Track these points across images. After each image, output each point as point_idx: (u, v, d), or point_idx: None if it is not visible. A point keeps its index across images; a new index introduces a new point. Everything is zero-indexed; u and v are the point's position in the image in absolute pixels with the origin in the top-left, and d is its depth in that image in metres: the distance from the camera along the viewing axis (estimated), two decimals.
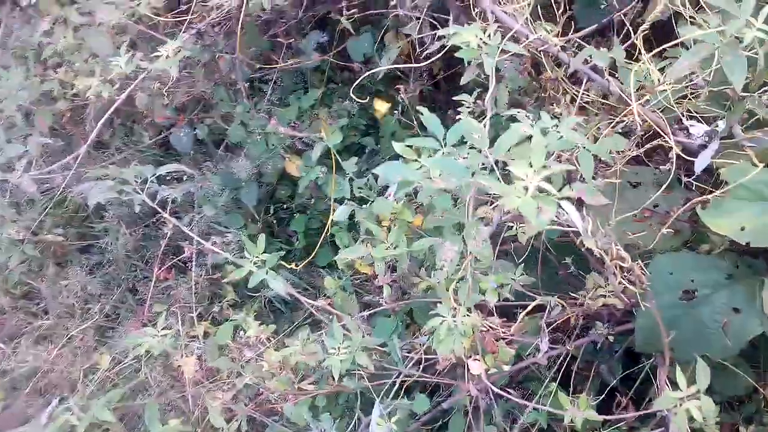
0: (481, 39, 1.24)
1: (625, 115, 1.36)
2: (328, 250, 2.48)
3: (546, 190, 0.96)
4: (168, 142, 2.42)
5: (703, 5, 1.26)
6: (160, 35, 1.90)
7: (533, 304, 1.44)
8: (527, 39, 1.39)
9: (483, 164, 1.09)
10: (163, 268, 2.33)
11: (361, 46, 2.19)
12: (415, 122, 2.45)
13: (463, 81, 1.29)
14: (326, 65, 2.35)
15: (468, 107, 1.37)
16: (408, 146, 1.18)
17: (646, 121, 1.38)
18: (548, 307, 1.43)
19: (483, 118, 1.31)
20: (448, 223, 1.19)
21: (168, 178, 2.09)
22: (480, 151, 1.13)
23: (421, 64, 1.65)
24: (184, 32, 1.72)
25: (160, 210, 1.89)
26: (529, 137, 1.09)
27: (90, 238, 2.47)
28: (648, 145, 1.55)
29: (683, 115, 1.37)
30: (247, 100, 2.12)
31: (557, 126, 1.13)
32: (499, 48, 1.24)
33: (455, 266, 1.15)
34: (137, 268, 2.41)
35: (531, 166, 0.98)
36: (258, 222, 2.39)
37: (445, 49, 1.83)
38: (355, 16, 2.14)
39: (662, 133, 1.36)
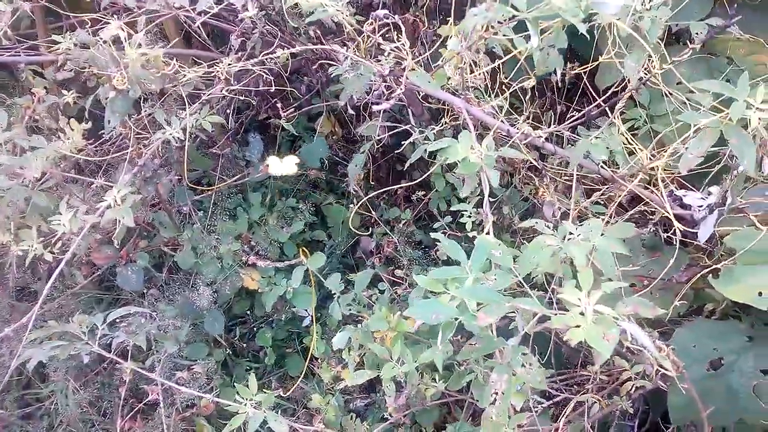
0: (475, 149, 1.19)
1: (618, 193, 1.34)
2: (299, 359, 2.35)
3: (603, 312, 0.91)
4: (103, 279, 2.24)
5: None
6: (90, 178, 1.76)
7: (572, 403, 1.38)
8: (508, 134, 1.36)
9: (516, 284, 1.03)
10: (126, 418, 2.11)
11: (316, 152, 2.10)
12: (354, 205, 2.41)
13: (463, 194, 1.23)
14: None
15: (469, 216, 1.31)
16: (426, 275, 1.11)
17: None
18: (586, 405, 1.36)
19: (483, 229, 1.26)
20: (487, 351, 1.11)
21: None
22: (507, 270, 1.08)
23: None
24: (125, 174, 1.57)
25: (118, 360, 1.73)
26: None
27: (33, 401, 2.21)
28: (632, 211, 1.56)
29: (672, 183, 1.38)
30: (196, 224, 1.98)
31: (578, 231, 1.08)
32: (494, 156, 1.19)
33: (507, 398, 1.06)
34: (95, 423, 2.17)
35: (581, 289, 0.93)
36: (222, 346, 2.22)
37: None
38: (295, 115, 2.07)
39: (658, 207, 1.35)
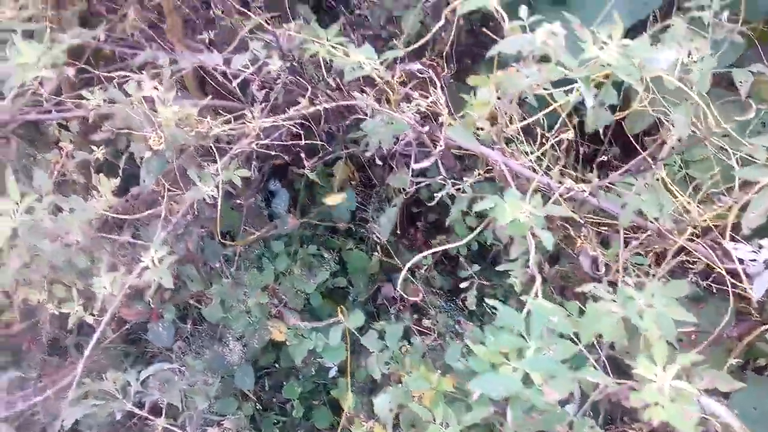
0: (524, 210, 1.17)
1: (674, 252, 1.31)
2: (326, 411, 2.30)
3: (682, 388, 0.87)
4: (130, 332, 2.21)
5: None
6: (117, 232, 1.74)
7: None
8: (548, 188, 1.34)
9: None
10: None
11: (345, 204, 2.09)
12: (380, 253, 2.37)
13: (512, 256, 1.21)
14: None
15: (516, 276, 1.28)
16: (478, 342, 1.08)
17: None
18: None
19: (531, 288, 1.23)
20: (552, 424, 1.07)
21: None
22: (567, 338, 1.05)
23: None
24: (160, 232, 1.55)
25: (151, 417, 1.71)
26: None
27: None
28: (674, 262, 1.53)
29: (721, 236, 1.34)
30: (226, 278, 1.95)
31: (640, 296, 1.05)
32: (544, 215, 1.16)
33: None
34: None
35: (655, 363, 0.89)
36: (251, 400, 2.17)
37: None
38: (319, 165, 2.06)
39: (701, 257, 1.32)
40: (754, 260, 1.29)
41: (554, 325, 1.07)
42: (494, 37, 1.27)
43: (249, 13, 2.09)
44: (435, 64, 2.19)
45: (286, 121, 1.62)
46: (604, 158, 1.68)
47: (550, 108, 1.35)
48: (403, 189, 1.62)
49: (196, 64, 1.62)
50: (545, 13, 1.92)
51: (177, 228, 1.64)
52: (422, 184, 1.54)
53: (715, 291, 1.54)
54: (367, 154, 1.73)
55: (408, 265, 2.38)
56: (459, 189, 1.46)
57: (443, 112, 1.36)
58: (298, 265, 2.13)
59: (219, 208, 1.59)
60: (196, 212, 1.61)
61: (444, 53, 2.23)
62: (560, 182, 1.30)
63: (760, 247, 1.29)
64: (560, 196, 1.33)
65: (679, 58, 1.15)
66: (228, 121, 1.84)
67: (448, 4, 2.14)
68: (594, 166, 1.74)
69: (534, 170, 1.40)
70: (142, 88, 1.44)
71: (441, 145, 1.28)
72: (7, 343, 2.12)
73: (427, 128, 1.35)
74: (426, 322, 2.05)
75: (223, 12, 2.09)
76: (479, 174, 1.48)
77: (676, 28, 1.16)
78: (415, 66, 1.39)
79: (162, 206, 1.66)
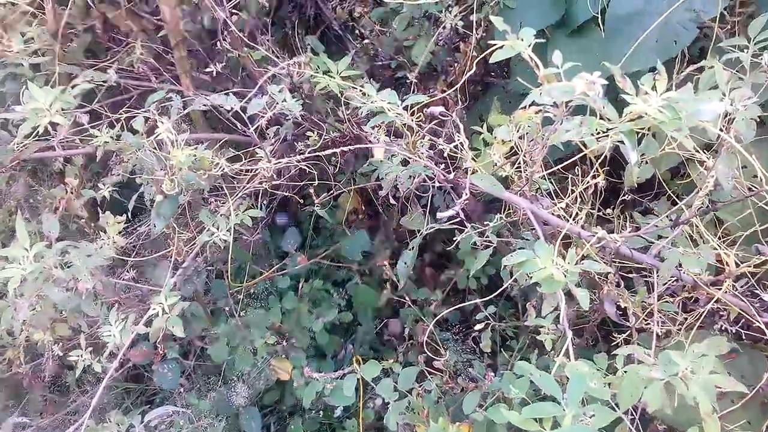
0: (557, 264, 1.12)
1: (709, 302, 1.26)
2: None
3: None
4: (133, 374, 2.15)
5: None
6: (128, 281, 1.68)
7: None
8: (581, 238, 1.30)
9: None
10: None
11: (358, 245, 2.03)
12: (388, 289, 2.31)
13: (543, 313, 1.16)
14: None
15: (546, 332, 1.23)
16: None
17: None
18: None
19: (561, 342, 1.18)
20: None
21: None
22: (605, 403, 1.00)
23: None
24: (170, 278, 1.49)
25: None
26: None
27: None
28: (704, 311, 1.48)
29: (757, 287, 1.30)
30: (232, 317, 1.89)
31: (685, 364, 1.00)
32: (578, 272, 1.12)
33: None
34: None
35: None
36: None
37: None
38: (327, 198, 2.01)
39: (746, 315, 1.28)
40: None
41: (592, 391, 1.02)
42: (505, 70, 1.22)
43: (256, 46, 2.05)
44: (449, 98, 2.16)
45: (300, 161, 1.56)
46: (626, 197, 1.64)
47: (580, 154, 1.31)
48: (419, 230, 1.57)
49: (211, 107, 1.56)
50: (564, 46, 1.91)
51: (186, 271, 1.58)
52: (437, 227, 1.47)
53: (745, 339, 1.50)
54: (382, 193, 1.69)
55: (413, 297, 2.35)
56: (482, 234, 1.41)
57: (467, 158, 1.31)
58: (305, 302, 2.07)
59: (230, 251, 1.54)
60: (206, 255, 1.55)
61: (456, 84, 2.20)
62: (592, 232, 1.26)
63: None
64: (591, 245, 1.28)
65: (725, 109, 1.10)
66: (237, 158, 1.80)
67: (458, 34, 2.13)
68: (615, 204, 1.70)
69: (561, 216, 1.36)
70: (154, 127, 1.39)
71: (466, 193, 1.23)
72: (10, 381, 2.06)
73: (451, 175, 1.30)
74: (437, 363, 1.99)
75: (230, 44, 2.04)
76: (501, 218, 1.43)
77: (717, 74, 1.12)
78: (438, 109, 1.35)
79: (171, 248, 1.61)
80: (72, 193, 1.74)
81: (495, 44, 1.10)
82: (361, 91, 1.41)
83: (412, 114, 1.36)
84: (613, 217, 1.70)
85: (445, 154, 1.33)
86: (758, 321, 1.23)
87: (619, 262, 1.56)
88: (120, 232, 1.60)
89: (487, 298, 1.45)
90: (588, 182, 1.32)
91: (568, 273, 1.11)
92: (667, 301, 1.47)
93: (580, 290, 1.09)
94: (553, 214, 1.36)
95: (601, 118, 1.04)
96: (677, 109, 0.97)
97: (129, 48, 2.20)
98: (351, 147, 1.50)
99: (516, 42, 1.07)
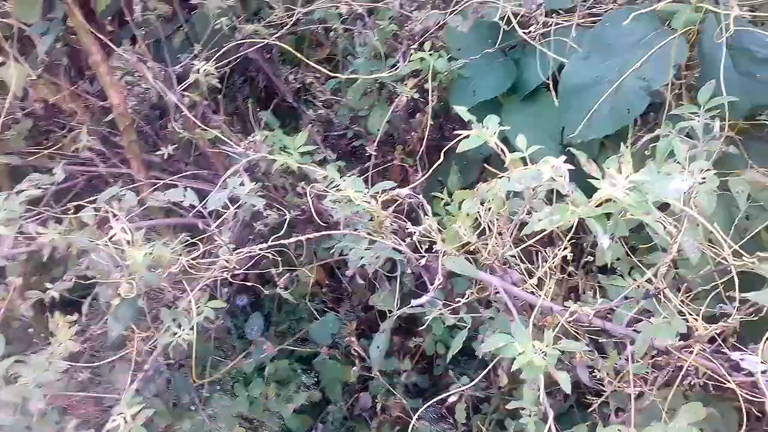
0: (535, 348, 1.09)
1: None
2: None
3: None
4: None
5: None
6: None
7: None
8: (553, 314, 1.28)
9: None
10: None
11: (327, 328, 1.98)
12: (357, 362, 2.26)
13: (525, 398, 1.13)
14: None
15: (529, 415, 1.19)
16: None
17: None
18: None
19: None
20: None
21: None
22: None
23: None
24: (131, 384, 1.41)
25: None
26: None
27: None
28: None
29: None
30: (195, 410, 1.80)
31: None
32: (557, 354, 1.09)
33: None
34: None
35: None
36: None
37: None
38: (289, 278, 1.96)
39: (718, 377, 1.27)
40: (765, 371, 1.24)
41: None
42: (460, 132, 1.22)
43: (207, 128, 2.01)
44: (408, 166, 2.16)
45: (263, 250, 1.51)
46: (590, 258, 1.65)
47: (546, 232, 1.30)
48: (390, 311, 1.53)
49: (167, 203, 1.51)
50: (517, 112, 1.94)
51: (147, 373, 1.50)
52: (410, 308, 1.44)
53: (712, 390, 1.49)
54: (348, 273, 1.65)
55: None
56: (455, 313, 1.38)
57: (438, 240, 1.29)
58: (272, 386, 2.00)
59: (194, 347, 1.47)
60: (169, 354, 1.47)
61: (415, 153, 2.21)
62: (564, 306, 1.24)
63: None
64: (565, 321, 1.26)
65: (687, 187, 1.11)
66: (192, 243, 1.74)
67: (415, 103, 2.14)
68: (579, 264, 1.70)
69: (533, 292, 1.34)
70: (105, 220, 1.33)
71: (439, 278, 1.21)
72: None
73: (423, 261, 1.28)
74: None
75: (181, 125, 2.00)
76: (473, 294, 1.41)
77: (675, 148, 1.13)
78: (404, 191, 1.33)
79: (130, 349, 1.53)
80: (16, 293, 1.65)
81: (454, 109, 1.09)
82: (323, 177, 1.38)
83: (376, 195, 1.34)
84: (578, 278, 1.70)
85: (415, 239, 1.30)
86: (730, 382, 1.22)
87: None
88: (72, 336, 1.51)
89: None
90: (556, 254, 1.31)
91: (547, 356, 1.09)
92: (638, 362, 1.46)
93: (560, 373, 1.06)
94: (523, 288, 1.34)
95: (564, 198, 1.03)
96: (643, 192, 0.97)
97: (74, 133, 2.15)
98: (317, 234, 1.45)
99: (482, 131, 1.06)
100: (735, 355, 1.28)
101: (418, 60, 1.86)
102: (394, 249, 1.35)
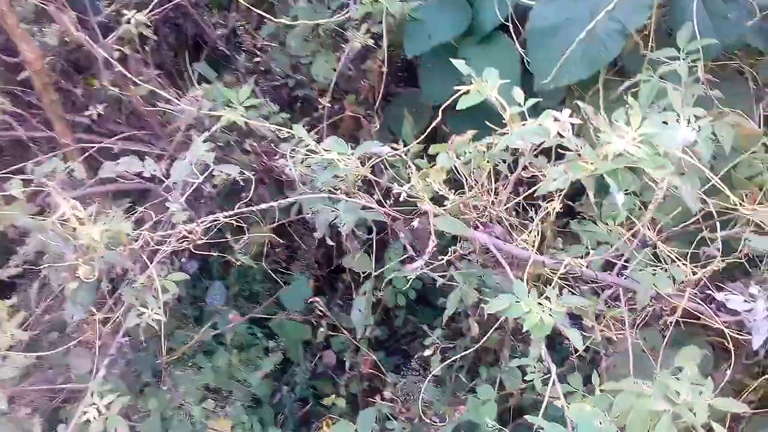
0: (543, 305, 1.07)
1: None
2: None
3: None
4: None
5: None
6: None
7: None
8: (545, 266, 1.26)
9: None
10: None
11: (298, 294, 1.88)
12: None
13: (532, 358, 1.11)
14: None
15: (533, 372, 1.18)
16: None
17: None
18: None
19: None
20: None
21: None
22: None
23: None
24: (97, 371, 1.30)
25: None
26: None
27: None
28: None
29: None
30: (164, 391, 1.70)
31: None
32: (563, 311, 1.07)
33: None
34: None
35: None
36: None
37: None
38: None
39: (703, 317, 1.30)
40: (749, 310, 1.28)
41: (601, 431, 0.99)
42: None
43: (140, 83, 1.84)
44: (363, 117, 2.06)
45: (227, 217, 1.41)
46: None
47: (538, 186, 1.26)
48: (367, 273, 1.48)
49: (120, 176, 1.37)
50: (474, 56, 1.87)
51: (112, 357, 1.39)
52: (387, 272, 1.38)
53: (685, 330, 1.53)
54: (317, 235, 1.57)
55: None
56: (444, 275, 1.34)
57: (425, 200, 1.23)
58: (235, 354, 1.91)
59: (163, 327, 1.37)
60: (135, 335, 1.37)
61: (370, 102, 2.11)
62: (557, 259, 1.22)
63: (752, 296, 1.29)
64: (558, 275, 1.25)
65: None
66: (132, 209, 1.61)
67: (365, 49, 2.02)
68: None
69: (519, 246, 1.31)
70: (37, 192, 1.19)
71: (433, 240, 1.16)
72: None
73: (416, 222, 1.22)
74: (387, 394, 1.91)
75: (111, 83, 1.82)
76: (455, 251, 1.37)
77: (670, 95, 1.10)
78: (385, 149, 1.25)
79: (89, 333, 1.41)
80: None
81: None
82: (294, 136, 1.28)
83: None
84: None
85: (400, 198, 1.23)
86: (718, 323, 1.25)
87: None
88: (21, 325, 1.37)
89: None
90: (546, 209, 1.28)
91: (553, 313, 1.07)
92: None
93: (571, 331, 1.04)
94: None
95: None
96: (654, 144, 0.94)
97: None
98: (292, 199, 1.36)
99: (482, 86, 1.00)
100: (720, 296, 1.30)
101: (370, 3, 1.75)
102: (384, 212, 1.28)
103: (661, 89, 1.26)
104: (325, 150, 1.21)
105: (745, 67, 1.60)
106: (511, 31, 1.75)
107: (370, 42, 1.82)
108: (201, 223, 1.37)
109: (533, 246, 1.26)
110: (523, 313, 1.06)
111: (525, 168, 1.14)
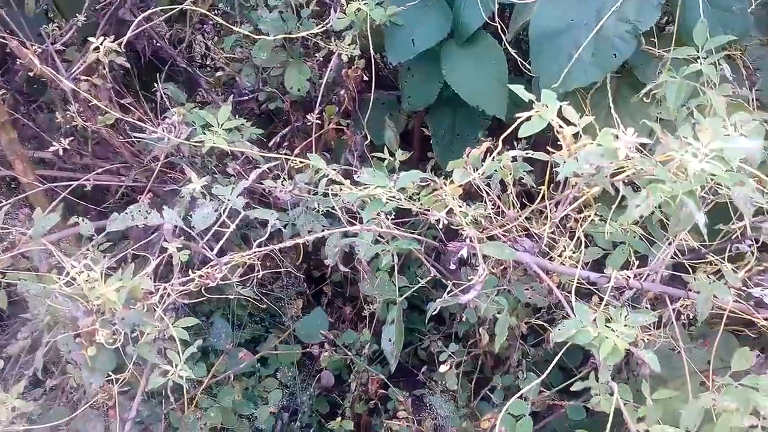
0: (615, 329, 1.04)
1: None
2: None
3: None
4: None
5: None
6: None
7: None
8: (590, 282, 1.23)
9: None
10: None
11: (316, 325, 1.78)
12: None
13: (601, 379, 1.07)
14: None
15: (597, 394, 1.15)
16: None
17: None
18: None
19: None
20: None
21: None
22: None
23: None
24: None
25: None
26: None
27: None
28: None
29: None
30: None
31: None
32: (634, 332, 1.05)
33: None
34: None
35: None
36: None
37: None
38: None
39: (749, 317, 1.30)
40: None
41: None
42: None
43: (107, 110, 1.69)
44: (347, 128, 1.98)
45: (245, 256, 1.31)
46: None
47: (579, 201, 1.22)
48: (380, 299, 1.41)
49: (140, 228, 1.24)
50: (458, 58, 1.81)
51: (130, 419, 1.28)
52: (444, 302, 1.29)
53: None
54: (328, 262, 1.50)
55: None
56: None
57: (466, 227, 1.17)
58: (238, 389, 1.81)
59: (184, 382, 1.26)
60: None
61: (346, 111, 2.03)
62: (603, 274, 1.19)
63: None
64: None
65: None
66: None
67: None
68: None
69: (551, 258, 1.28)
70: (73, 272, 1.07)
71: (483, 269, 1.10)
72: None
73: (464, 251, 1.15)
74: (399, 418, 1.85)
75: (78, 114, 1.66)
76: (484, 272, 1.31)
77: (714, 102, 1.09)
78: (417, 175, 1.18)
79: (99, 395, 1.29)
80: None
81: None
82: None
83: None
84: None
85: (439, 224, 1.17)
86: (760, 319, 1.26)
87: None
88: (22, 394, 1.24)
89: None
90: (580, 219, 1.25)
91: (624, 335, 1.04)
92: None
93: (646, 353, 1.02)
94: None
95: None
96: (728, 159, 0.92)
97: None
98: (333, 231, 1.27)
99: (544, 110, 0.95)
100: (756, 291, 1.30)
101: (353, 12, 1.67)
102: (415, 239, 1.21)
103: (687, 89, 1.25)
104: (359, 183, 1.13)
105: (735, 53, 1.62)
106: (500, 31, 1.72)
107: (356, 53, 1.74)
108: (216, 266, 1.27)
109: (560, 259, 1.23)
110: (592, 339, 1.02)
111: (573, 186, 1.10)
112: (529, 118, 0.95)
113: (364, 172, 1.13)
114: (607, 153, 0.93)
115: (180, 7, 1.71)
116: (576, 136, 1.01)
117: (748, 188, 0.89)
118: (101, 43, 1.54)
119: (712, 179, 0.91)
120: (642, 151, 1.00)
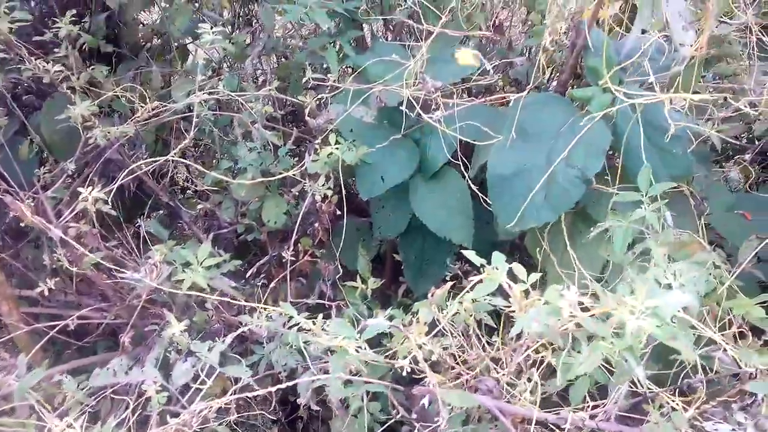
0: None
1: None
2: None
3: None
4: None
5: None
6: None
7: None
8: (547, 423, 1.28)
9: None
10: None
11: None
12: None
13: None
14: None
15: None
16: None
17: None
18: None
19: None
20: None
21: None
22: None
23: None
24: None
25: None
26: None
27: None
28: None
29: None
30: None
31: None
32: None
33: None
34: None
35: None
36: None
37: None
38: None
39: None
40: None
41: None
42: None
43: (88, 253, 1.76)
44: (324, 262, 2.06)
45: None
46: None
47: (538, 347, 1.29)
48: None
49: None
50: (425, 192, 1.92)
51: None
52: None
53: None
54: (300, 401, 1.54)
55: None
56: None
57: (427, 373, 1.23)
58: None
59: None
60: None
61: (320, 243, 2.12)
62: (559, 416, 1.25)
63: (740, 424, 1.34)
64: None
65: None
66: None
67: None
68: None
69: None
70: None
71: (443, 416, 1.16)
72: None
73: (425, 401, 1.21)
74: None
75: (66, 257, 1.73)
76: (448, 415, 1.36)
77: (654, 252, 1.18)
78: (385, 323, 1.26)
79: None
80: None
81: None
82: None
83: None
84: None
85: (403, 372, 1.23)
86: None
87: None
88: None
89: None
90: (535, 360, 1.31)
91: None
92: None
93: None
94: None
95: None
96: (661, 315, 1.00)
97: None
98: (306, 379, 1.32)
99: (494, 273, 1.03)
100: (709, 426, 1.34)
101: (327, 156, 1.79)
102: (382, 383, 1.27)
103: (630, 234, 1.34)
104: (328, 333, 1.19)
105: (683, 186, 1.73)
106: (462, 166, 1.84)
107: (329, 192, 1.85)
108: (194, 413, 1.31)
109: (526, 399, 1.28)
110: None
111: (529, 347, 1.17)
112: (481, 281, 1.03)
113: (332, 323, 1.20)
114: (553, 311, 1.01)
115: (164, 158, 1.80)
116: (526, 292, 1.09)
117: (680, 342, 0.96)
118: (89, 193, 1.63)
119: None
120: (585, 305, 1.08)
